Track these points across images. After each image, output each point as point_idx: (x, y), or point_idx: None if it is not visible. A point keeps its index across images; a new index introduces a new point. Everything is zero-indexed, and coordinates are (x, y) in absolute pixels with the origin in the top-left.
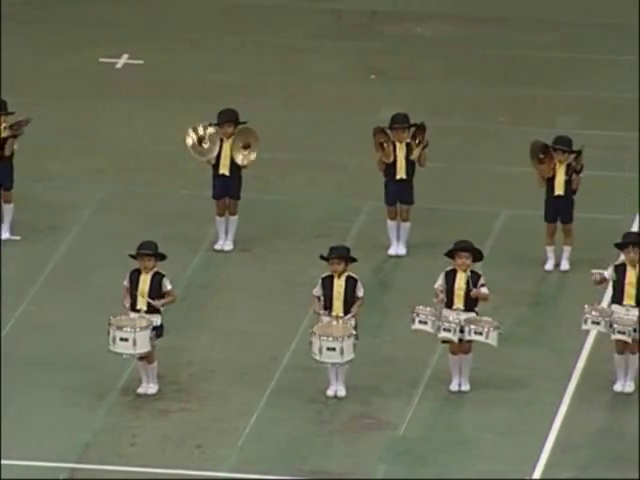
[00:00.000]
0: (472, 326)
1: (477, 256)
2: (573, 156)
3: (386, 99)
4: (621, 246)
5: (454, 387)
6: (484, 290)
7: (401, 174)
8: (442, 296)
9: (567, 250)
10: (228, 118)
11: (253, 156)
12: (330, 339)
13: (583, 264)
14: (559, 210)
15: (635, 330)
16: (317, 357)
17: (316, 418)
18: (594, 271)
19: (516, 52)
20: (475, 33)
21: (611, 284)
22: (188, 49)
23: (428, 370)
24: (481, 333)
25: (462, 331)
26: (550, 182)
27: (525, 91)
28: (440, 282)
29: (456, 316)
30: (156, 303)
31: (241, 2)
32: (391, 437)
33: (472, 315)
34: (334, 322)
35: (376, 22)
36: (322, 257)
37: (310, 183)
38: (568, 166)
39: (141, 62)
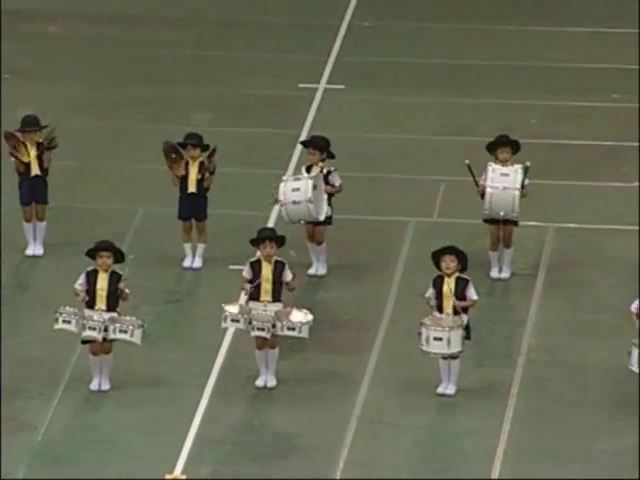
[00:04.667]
0: (117, 325)
1: (118, 257)
2: (206, 154)
3: (22, 99)
4: (256, 242)
5: (94, 387)
6: (126, 290)
7: (35, 171)
8: (83, 295)
9: (201, 247)
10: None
11: None
12: None
13: (219, 261)
14: (193, 208)
15: (274, 326)
16: None
17: None
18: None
19: (150, 50)
20: (110, 32)
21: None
22: None
23: (68, 370)
24: (126, 331)
25: (106, 330)
26: (183, 180)
27: (160, 89)
28: (81, 282)
29: (99, 316)
30: None
31: None
32: (31, 438)
33: (114, 315)
34: None
35: (10, 21)
36: None
37: None
38: (201, 164)
39: None
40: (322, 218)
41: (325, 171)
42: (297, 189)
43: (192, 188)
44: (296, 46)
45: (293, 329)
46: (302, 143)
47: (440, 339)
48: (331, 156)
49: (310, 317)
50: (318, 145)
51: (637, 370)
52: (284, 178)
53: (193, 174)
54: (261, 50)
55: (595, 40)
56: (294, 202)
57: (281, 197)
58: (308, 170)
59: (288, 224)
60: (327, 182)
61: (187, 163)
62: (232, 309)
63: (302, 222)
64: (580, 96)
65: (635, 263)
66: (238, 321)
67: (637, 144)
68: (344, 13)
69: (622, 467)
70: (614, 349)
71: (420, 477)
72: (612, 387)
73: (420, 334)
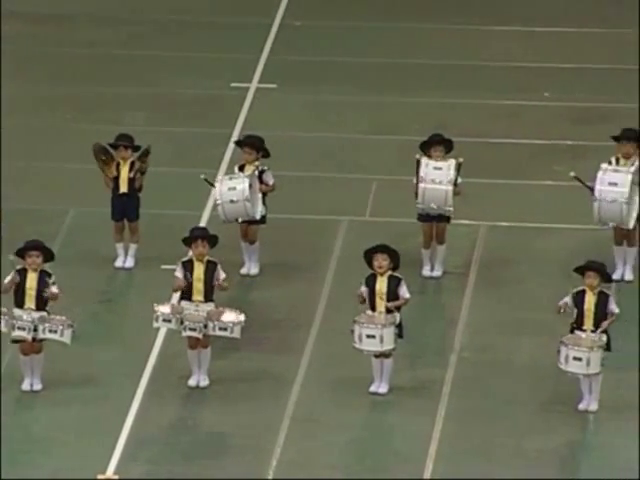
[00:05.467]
0: (46, 324)
1: (47, 256)
2: (137, 154)
3: None
4: (188, 241)
5: (26, 387)
6: (55, 290)
7: None
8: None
9: (133, 248)
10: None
11: None
12: None
13: (151, 261)
14: (125, 208)
15: (206, 326)
16: None
17: None
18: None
19: (79, 50)
20: (41, 31)
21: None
22: None
23: None
24: (56, 331)
25: (36, 330)
26: (115, 181)
27: (92, 88)
28: (9, 278)
29: (29, 315)
30: None
31: None
32: None
33: (44, 314)
34: None
35: None
36: None
37: None
38: (132, 164)
39: None
40: (258, 217)
41: (259, 169)
42: (233, 188)
43: (123, 188)
44: (228, 45)
45: (225, 329)
46: (237, 143)
47: (373, 337)
48: (266, 155)
49: (242, 317)
50: (254, 145)
51: (565, 368)
52: (219, 178)
53: (124, 174)
54: (193, 49)
55: (526, 39)
56: (231, 201)
57: (217, 197)
58: (241, 169)
59: (222, 224)
60: (261, 181)
61: (118, 164)
62: (164, 309)
63: (239, 220)
64: (512, 95)
65: (566, 261)
66: (170, 321)
67: (569, 142)
68: (275, 12)
69: (554, 465)
70: (545, 347)
71: (353, 477)
72: (544, 385)
73: (353, 332)
